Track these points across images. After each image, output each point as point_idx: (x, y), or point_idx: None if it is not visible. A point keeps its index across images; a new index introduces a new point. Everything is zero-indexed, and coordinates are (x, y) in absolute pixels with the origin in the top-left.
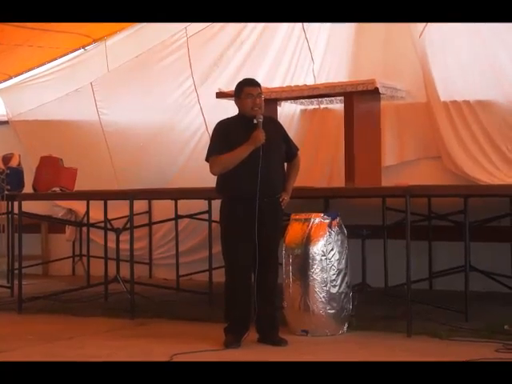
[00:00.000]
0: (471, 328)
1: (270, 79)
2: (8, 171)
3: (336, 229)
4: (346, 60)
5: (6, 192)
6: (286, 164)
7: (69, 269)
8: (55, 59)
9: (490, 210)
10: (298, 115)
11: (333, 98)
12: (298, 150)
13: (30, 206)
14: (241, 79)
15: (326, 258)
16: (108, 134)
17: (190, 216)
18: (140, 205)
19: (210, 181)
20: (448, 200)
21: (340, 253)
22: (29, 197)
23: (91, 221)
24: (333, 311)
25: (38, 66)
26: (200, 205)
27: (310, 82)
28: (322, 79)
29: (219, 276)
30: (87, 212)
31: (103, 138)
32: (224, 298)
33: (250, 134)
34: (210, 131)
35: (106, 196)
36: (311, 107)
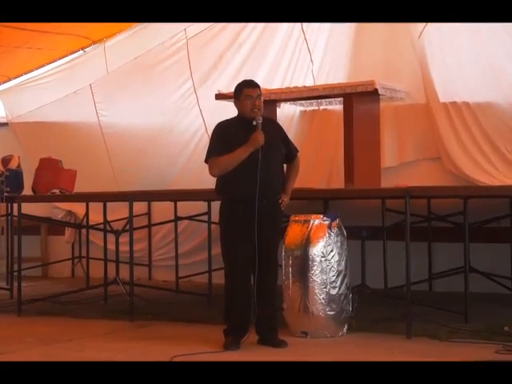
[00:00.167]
0: (471, 329)
1: (269, 80)
2: (7, 173)
3: (335, 230)
4: (345, 61)
5: (6, 194)
6: (285, 165)
7: (68, 271)
8: (54, 61)
9: (490, 211)
10: (298, 116)
11: (332, 100)
12: (297, 151)
13: (29, 208)
14: (240, 81)
15: (325, 260)
16: (107, 135)
17: (190, 218)
18: (139, 206)
19: (210, 182)
20: (448, 201)
21: (340, 254)
22: (28, 199)
23: (90, 223)
24: (332, 313)
25: (37, 68)
26: (199, 206)
27: (309, 83)
28: (322, 80)
29: (219, 278)
30: (86, 214)
31: (102, 139)
32: (223, 300)
33: (250, 135)
34: (210, 133)
35: (105, 198)
36: (310, 108)
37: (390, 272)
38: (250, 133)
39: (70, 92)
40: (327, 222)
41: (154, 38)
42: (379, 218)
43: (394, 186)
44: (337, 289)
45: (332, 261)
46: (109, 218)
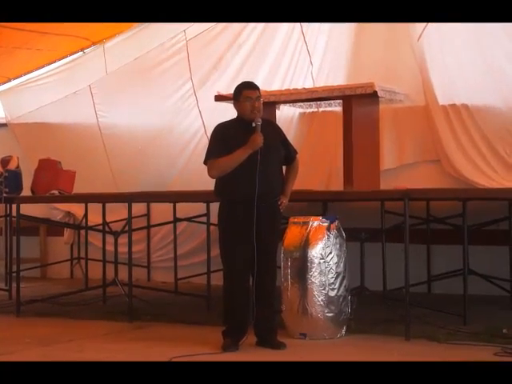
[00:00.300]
0: (470, 331)
1: (268, 82)
2: (6, 174)
3: (334, 232)
4: (345, 63)
5: (5, 195)
6: (284, 167)
7: (67, 272)
8: (54, 62)
9: (489, 213)
10: (297, 118)
11: (331, 102)
12: (296, 153)
13: (28, 209)
14: (239, 82)
15: (324, 262)
16: (106, 136)
17: (189, 219)
18: (138, 208)
19: (209, 184)
20: (446, 203)
21: (338, 256)
22: (27, 199)
23: (89, 223)
24: (331, 314)
25: (36, 69)
26: (198, 208)
27: (308, 85)
28: (321, 82)
29: (217, 279)
30: (85, 215)
31: (101, 140)
32: (222, 302)
33: (249, 137)
34: (209, 134)
35: (104, 199)
36: (310, 110)
37: (389, 274)
38: (249, 134)
39: (70, 93)
40: (326, 224)
41: (154, 40)
42: (378, 220)
43: (393, 188)
44: (335, 290)
45: (331, 263)
46: (108, 219)
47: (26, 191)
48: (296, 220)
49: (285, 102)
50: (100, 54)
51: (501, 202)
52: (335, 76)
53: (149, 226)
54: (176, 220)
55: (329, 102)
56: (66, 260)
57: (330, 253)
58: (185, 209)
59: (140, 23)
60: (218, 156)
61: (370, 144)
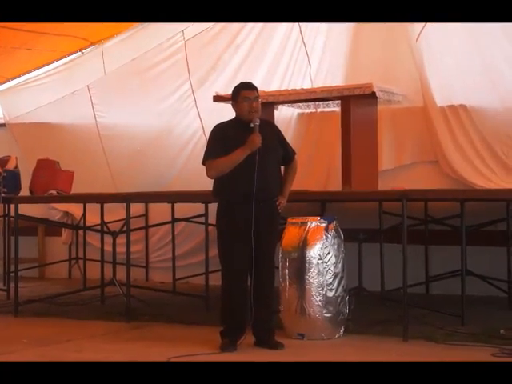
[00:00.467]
0: (467, 332)
1: (267, 83)
2: (5, 174)
3: (332, 232)
4: (343, 64)
5: (3, 195)
6: (282, 168)
7: (65, 272)
8: (52, 62)
9: (487, 214)
10: (295, 119)
11: (330, 102)
12: (295, 153)
13: (26, 209)
14: (238, 83)
15: (322, 262)
16: (105, 137)
17: (187, 219)
18: (137, 208)
19: (208, 184)
20: (445, 204)
21: (336, 256)
22: (25, 199)
23: (88, 224)
24: (329, 315)
25: (35, 69)
26: (197, 208)
27: (306, 85)
28: (319, 83)
29: (216, 279)
30: (84, 215)
31: (100, 141)
32: (220, 302)
33: (247, 137)
34: (207, 135)
35: (102, 199)
36: (308, 111)
37: (387, 274)
38: (247, 135)
39: (68, 93)
40: (324, 225)
41: (152, 40)
42: (376, 221)
43: (391, 188)
44: (334, 291)
45: (329, 263)
46: (106, 220)
47: (25, 191)
48: (294, 220)
49: (283, 103)
50: (98, 55)
51: (499, 203)
52: (333, 76)
53: (147, 227)
54: (174, 220)
55: (327, 102)
56: (64, 260)
57: (328, 253)
58: (183, 209)
59: (138, 24)
60: (216, 156)
61: (368, 144)
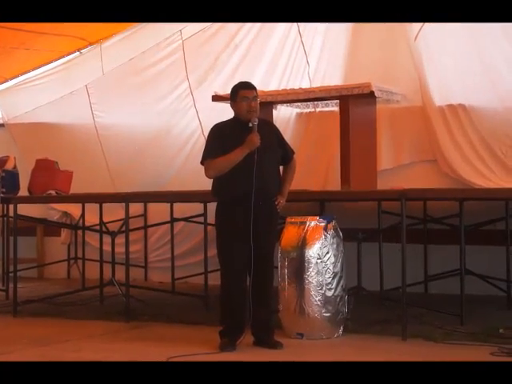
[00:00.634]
0: (466, 331)
1: (265, 82)
2: (3, 174)
3: (331, 232)
4: (342, 63)
5: (2, 195)
6: (281, 167)
7: (64, 272)
8: (51, 62)
9: (486, 213)
10: (294, 118)
11: (328, 102)
12: (293, 153)
13: (25, 209)
14: (236, 82)
15: (321, 261)
16: (103, 136)
17: (186, 219)
18: (135, 208)
19: (207, 184)
20: (443, 203)
21: (335, 256)
22: (24, 200)
23: (86, 224)
24: (328, 314)
25: (33, 69)
26: (196, 208)
27: (305, 85)
28: (318, 82)
29: (215, 279)
30: (82, 215)
31: (98, 140)
32: (219, 302)
33: (246, 137)
34: (206, 134)
35: (101, 199)
36: (307, 110)
37: (386, 274)
38: (246, 134)
39: (66, 93)
40: (323, 224)
41: (150, 40)
42: (375, 220)
43: (389, 188)
44: (332, 290)
45: (328, 262)
46: (105, 219)
47: (23, 191)
48: (293, 220)
49: (282, 102)
50: (97, 54)
51: (498, 202)
52: (332, 76)
53: (146, 226)
54: (173, 220)
55: (326, 102)
56: (63, 260)
57: (327, 253)
58: (182, 209)
59: (137, 23)
60: (214, 156)
61: (367, 144)
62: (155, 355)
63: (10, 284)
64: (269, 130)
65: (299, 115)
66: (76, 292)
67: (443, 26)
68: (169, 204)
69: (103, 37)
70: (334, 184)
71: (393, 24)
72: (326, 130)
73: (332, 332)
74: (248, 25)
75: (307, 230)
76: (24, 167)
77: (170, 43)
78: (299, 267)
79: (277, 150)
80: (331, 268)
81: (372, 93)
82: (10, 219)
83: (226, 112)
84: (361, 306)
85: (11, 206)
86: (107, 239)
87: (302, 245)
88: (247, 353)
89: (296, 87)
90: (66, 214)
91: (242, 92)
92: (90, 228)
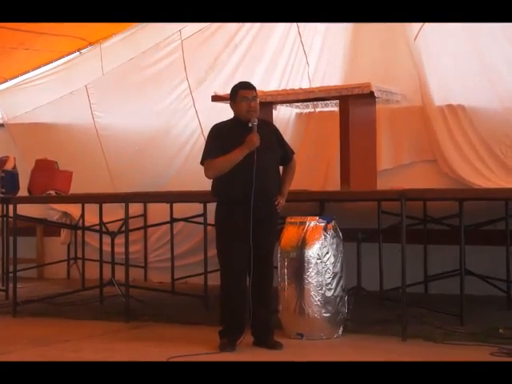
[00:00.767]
0: (466, 331)
1: (265, 83)
2: (3, 174)
3: (331, 232)
4: (341, 63)
5: (1, 195)
6: (281, 167)
7: (64, 272)
8: (50, 62)
9: (486, 213)
10: (294, 119)
11: (328, 102)
12: (293, 153)
13: (25, 209)
14: (236, 82)
15: (321, 262)
16: (103, 137)
17: (186, 219)
18: (135, 208)
19: (206, 184)
20: (443, 203)
21: (335, 256)
22: (24, 200)
23: (86, 224)
24: (328, 314)
25: (33, 69)
26: (195, 208)
27: (305, 85)
28: (317, 83)
29: (215, 279)
30: (82, 215)
31: (98, 140)
32: (219, 302)
33: (245, 137)
34: (206, 134)
35: (101, 199)
36: (306, 111)
37: (386, 274)
38: (245, 135)
39: (66, 93)
40: (323, 224)
41: (150, 40)
42: (375, 220)
43: (389, 188)
44: (332, 291)
45: (328, 263)
46: (105, 220)
47: (23, 191)
48: (293, 220)
49: (281, 103)
50: (96, 55)
51: (497, 202)
52: (332, 76)
53: (146, 227)
54: (173, 220)
55: (325, 102)
56: (63, 260)
57: (327, 253)
58: (182, 209)
59: (136, 24)
60: (214, 156)
61: (367, 144)
62: (155, 355)
63: (10, 284)
64: (268, 130)
65: (299, 115)
66: (76, 292)
67: (443, 26)
68: (168, 204)
69: (103, 37)
70: (334, 184)
71: (392, 24)
72: (326, 130)
73: (332, 332)
74: (247, 25)
75: (307, 230)
76: (24, 167)
77: (170, 43)
78: (299, 267)
79: (276, 150)
80: (331, 268)
81: (372, 93)
82: (10, 219)
83: (225, 112)
84: (360, 306)
85: (11, 206)
86: (107, 239)
87: (302, 245)
88: (247, 353)
89: (296, 87)
90: (65, 214)
91: (241, 92)
92: (89, 228)
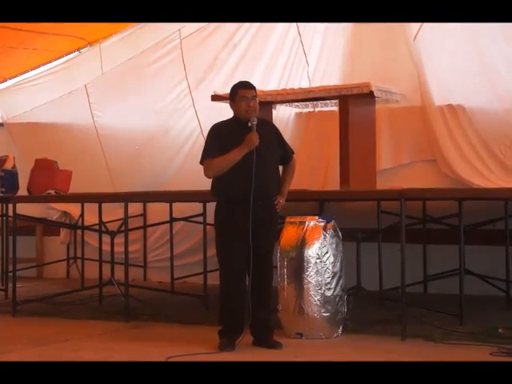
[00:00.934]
0: (466, 331)
1: (265, 82)
2: (2, 174)
3: (331, 232)
4: (341, 63)
5: (1, 194)
6: (281, 167)
7: (63, 271)
8: (50, 62)
9: (485, 213)
10: (293, 118)
11: (328, 102)
12: (293, 153)
13: (24, 209)
14: (235, 82)
15: (320, 261)
16: (102, 136)
17: (185, 219)
18: (135, 207)
19: (206, 183)
20: (443, 203)
21: (335, 256)
22: (23, 199)
23: (86, 223)
24: (327, 314)
25: (32, 69)
26: (195, 207)
27: (304, 85)
28: (317, 82)
29: (214, 279)
30: (82, 215)
31: (98, 140)
32: (218, 301)
33: (245, 136)
34: (205, 134)
35: (100, 199)
36: (306, 110)
37: (385, 274)
38: (245, 134)
39: (66, 93)
40: (322, 224)
41: (149, 39)
42: (374, 220)
43: (389, 187)
44: (332, 290)
45: (327, 262)
46: (104, 219)
47: (23, 191)
48: (292, 220)
49: (281, 102)
50: (96, 54)
51: (497, 202)
52: (331, 76)
53: (145, 226)
54: (172, 220)
55: (325, 101)
56: (63, 260)
57: (327, 252)
58: (181, 208)
59: (136, 23)
60: (214, 156)
61: (367, 144)
62: (154, 355)
63: (10, 283)
64: (268, 129)
65: (298, 115)
66: (75, 292)
67: (442, 26)
68: (168, 204)
69: (102, 36)
70: (334, 184)
71: (392, 24)
72: (326, 130)
73: (331, 332)
74: (246, 24)
75: (306, 230)
76: (23, 167)
77: (169, 42)
78: (298, 267)
79: (276, 149)
80: (330, 268)
81: (371, 92)
82: (10, 219)
83: (225, 112)
84: (360, 305)
85: (10, 206)
86: (106, 239)
87: (302, 245)
88: (246, 353)
89: (295, 87)
90: (65, 213)
91: (240, 91)
92: (89, 228)
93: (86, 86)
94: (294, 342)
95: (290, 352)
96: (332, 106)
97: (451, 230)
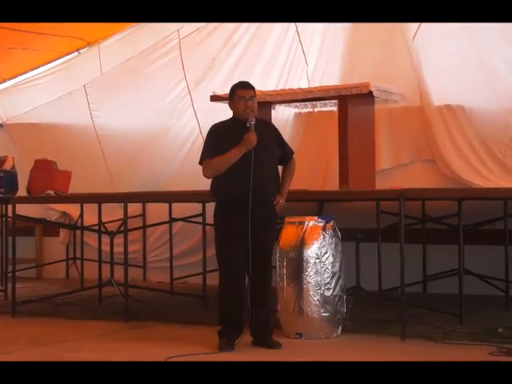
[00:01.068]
0: (465, 331)
1: (263, 82)
2: (2, 174)
3: (330, 232)
4: (340, 63)
5: (0, 195)
6: (281, 167)
7: (63, 272)
8: (49, 62)
9: (484, 213)
10: (292, 118)
11: (327, 102)
12: (293, 153)
13: (23, 209)
14: (234, 82)
15: (320, 261)
16: (102, 136)
17: (184, 219)
18: (134, 208)
19: (205, 184)
20: (442, 203)
21: (334, 256)
22: (23, 200)
23: (85, 224)
24: (327, 314)
25: (32, 69)
26: (194, 208)
27: (303, 85)
28: (316, 82)
29: (213, 279)
30: (81, 215)
31: (97, 140)
32: (218, 301)
33: (243, 136)
34: (204, 134)
35: (99, 199)
36: (305, 110)
37: (385, 274)
38: (243, 134)
39: (65, 93)
40: (322, 224)
41: (148, 39)
42: (374, 220)
43: (388, 188)
44: (331, 290)
45: (326, 262)
46: (103, 220)
47: (22, 191)
48: (291, 220)
49: (280, 102)
50: (95, 55)
51: (496, 202)
52: (330, 76)
53: (144, 226)
54: (172, 220)
55: (324, 102)
56: (62, 260)
57: (326, 253)
58: (180, 209)
59: (135, 23)
60: (212, 156)
61: (366, 144)
62: (154, 355)
63: (9, 284)
64: (267, 129)
65: (297, 115)
66: (74, 292)
67: (441, 26)
68: (167, 204)
69: (101, 37)
70: (333, 184)
71: (391, 24)
72: (325, 130)
73: (331, 332)
74: (245, 24)
75: (306, 230)
76: (23, 167)
77: (168, 42)
78: (298, 267)
79: (275, 149)
80: (330, 268)
81: (370, 93)
82: (9, 219)
83: (224, 112)
84: (359, 305)
85: (10, 206)
86: (106, 239)
87: (301, 245)
88: (246, 353)
89: (294, 87)
90: (64, 214)
91: (239, 92)
92: (88, 228)
93: (85, 86)
94: (294, 342)
95: (289, 352)
96: (331, 106)
97: (450, 230)
